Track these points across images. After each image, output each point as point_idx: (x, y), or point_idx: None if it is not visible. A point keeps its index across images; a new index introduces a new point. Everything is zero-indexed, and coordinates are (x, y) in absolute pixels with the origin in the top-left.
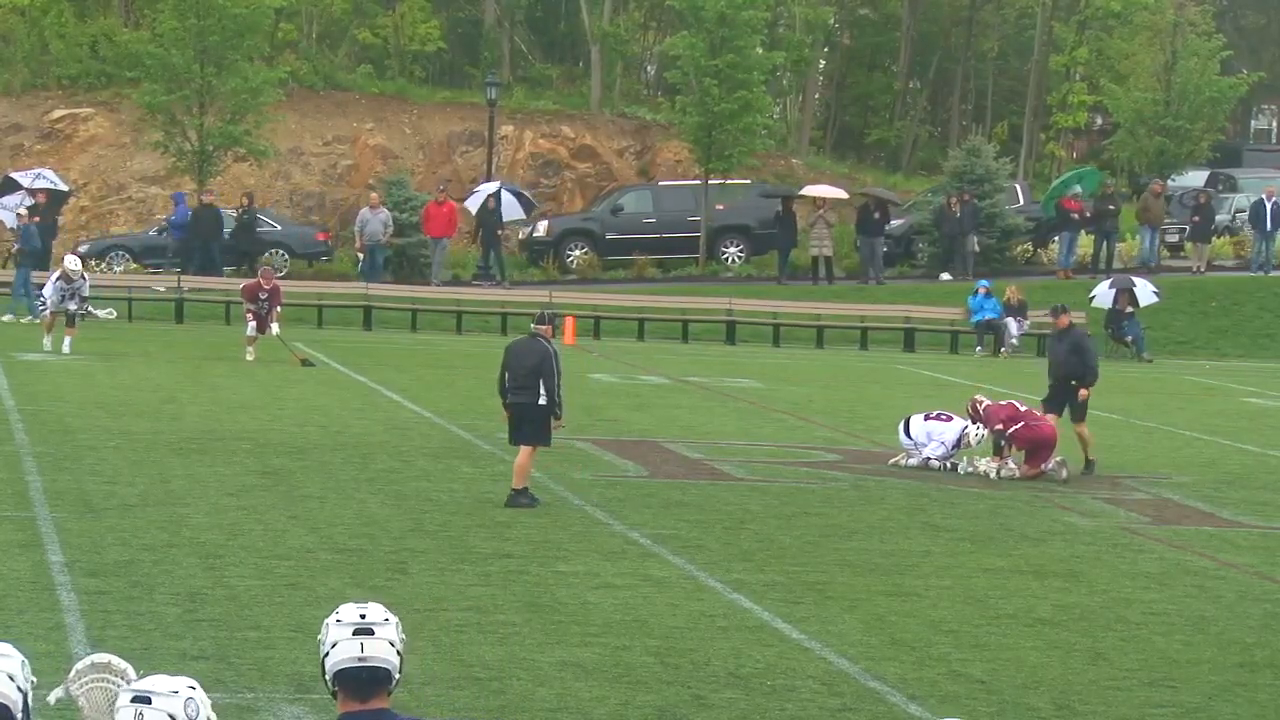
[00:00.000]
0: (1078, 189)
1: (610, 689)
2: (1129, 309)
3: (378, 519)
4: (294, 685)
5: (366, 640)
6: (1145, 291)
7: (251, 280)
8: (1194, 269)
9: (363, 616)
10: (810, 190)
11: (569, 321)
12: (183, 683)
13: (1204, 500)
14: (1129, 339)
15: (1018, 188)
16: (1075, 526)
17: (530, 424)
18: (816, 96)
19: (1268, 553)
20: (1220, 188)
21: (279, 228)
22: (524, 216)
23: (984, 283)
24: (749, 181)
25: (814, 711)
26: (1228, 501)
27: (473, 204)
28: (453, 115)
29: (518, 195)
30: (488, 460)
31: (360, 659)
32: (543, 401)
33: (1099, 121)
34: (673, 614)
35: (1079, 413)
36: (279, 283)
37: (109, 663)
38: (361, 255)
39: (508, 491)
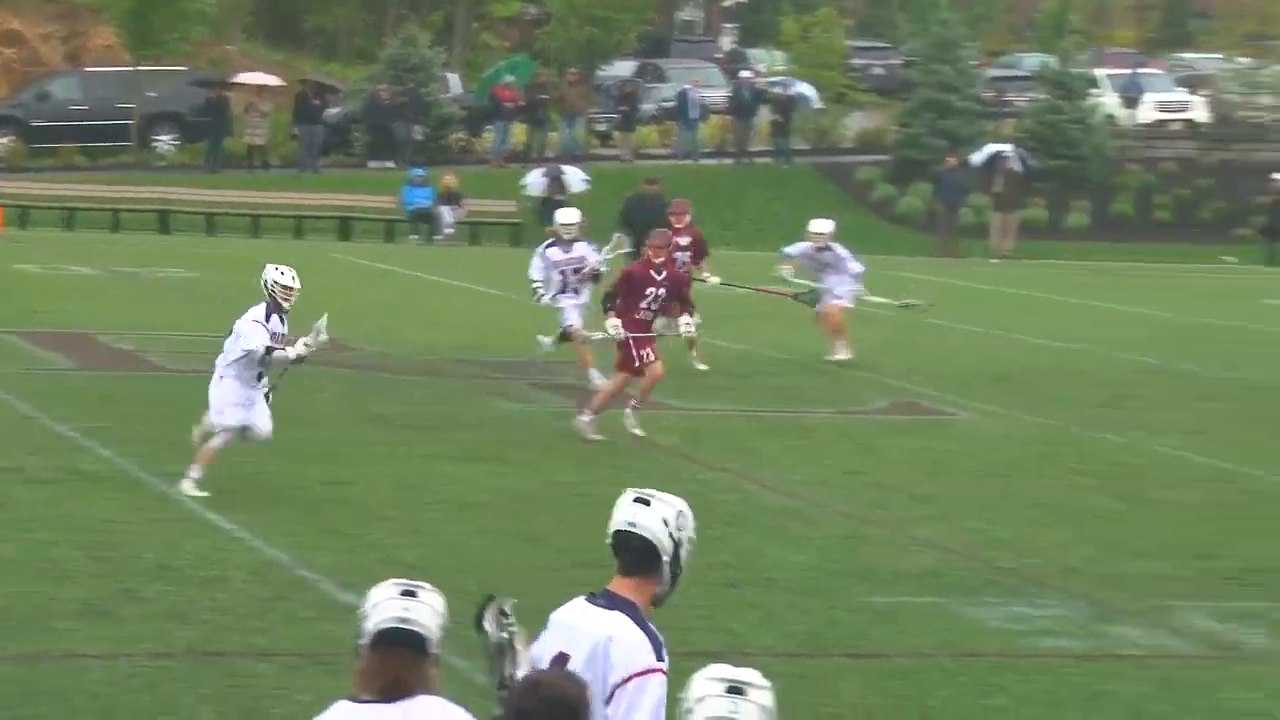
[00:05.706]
0: (510, 78)
1: (34, 584)
2: (559, 197)
3: None
4: None
5: None
6: (575, 179)
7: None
8: (622, 157)
9: None
10: (245, 78)
11: None
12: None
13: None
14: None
15: (449, 77)
16: (508, 412)
17: None
18: None
19: (690, 434)
20: (648, 78)
21: None
22: None
23: (418, 171)
24: (184, 68)
25: (243, 600)
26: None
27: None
28: None
29: None
30: None
31: None
32: None
33: (532, 11)
34: (103, 508)
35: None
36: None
37: None
38: None
39: None
